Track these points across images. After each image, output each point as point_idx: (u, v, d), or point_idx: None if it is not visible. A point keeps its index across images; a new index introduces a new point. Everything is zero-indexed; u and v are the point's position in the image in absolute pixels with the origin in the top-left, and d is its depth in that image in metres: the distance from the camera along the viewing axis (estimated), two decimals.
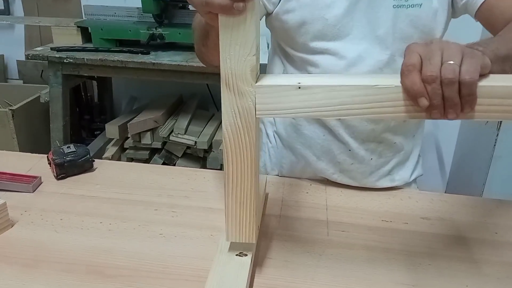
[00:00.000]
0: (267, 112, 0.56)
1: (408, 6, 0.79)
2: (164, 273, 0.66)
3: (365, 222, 0.81)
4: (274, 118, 0.99)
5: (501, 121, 1.62)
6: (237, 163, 0.59)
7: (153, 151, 1.97)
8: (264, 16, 0.87)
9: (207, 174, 0.96)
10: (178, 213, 0.81)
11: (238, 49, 0.53)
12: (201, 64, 1.67)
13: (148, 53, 1.75)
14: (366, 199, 0.89)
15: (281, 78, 0.58)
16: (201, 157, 1.93)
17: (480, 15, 0.80)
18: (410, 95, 0.52)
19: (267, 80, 0.56)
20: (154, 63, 1.69)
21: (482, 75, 0.52)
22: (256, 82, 0.55)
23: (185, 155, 1.94)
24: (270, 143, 1.01)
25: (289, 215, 0.82)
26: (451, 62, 0.50)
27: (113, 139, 1.97)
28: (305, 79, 0.56)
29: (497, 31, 0.75)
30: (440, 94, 0.50)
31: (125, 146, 1.96)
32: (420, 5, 0.79)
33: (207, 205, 0.84)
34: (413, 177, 0.98)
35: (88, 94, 2.39)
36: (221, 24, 0.52)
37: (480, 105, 0.52)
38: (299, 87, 0.54)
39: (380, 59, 0.82)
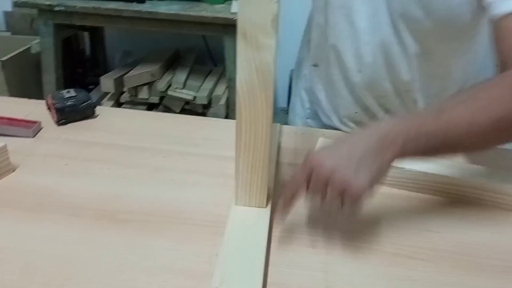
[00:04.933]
0: None
1: None
2: (180, 218, 0.63)
3: None
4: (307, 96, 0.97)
5: None
6: (250, 124, 0.54)
7: (150, 106, 1.92)
8: None
9: (215, 123, 0.92)
10: (188, 160, 0.77)
11: None
12: (199, 13, 1.61)
13: (143, 2, 1.66)
14: None
15: None
16: (200, 112, 1.88)
17: (493, 29, 0.64)
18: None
19: None
20: (150, 12, 1.61)
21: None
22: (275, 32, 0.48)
23: (183, 111, 1.89)
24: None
25: None
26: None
27: (108, 93, 1.90)
28: None
29: (500, 55, 0.62)
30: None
31: (121, 101, 1.91)
32: None
33: (219, 153, 0.80)
34: None
35: (80, 47, 2.30)
36: None
37: None
38: None
39: (387, 37, 0.77)
